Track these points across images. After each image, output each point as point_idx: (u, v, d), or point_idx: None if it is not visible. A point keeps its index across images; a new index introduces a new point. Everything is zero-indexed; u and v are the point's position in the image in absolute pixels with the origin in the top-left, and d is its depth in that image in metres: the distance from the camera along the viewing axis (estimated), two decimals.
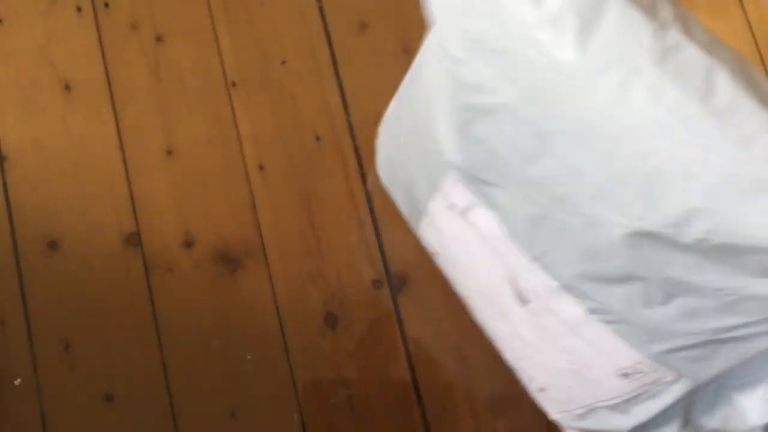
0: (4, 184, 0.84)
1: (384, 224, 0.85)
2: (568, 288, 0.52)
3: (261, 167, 0.85)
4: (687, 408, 0.56)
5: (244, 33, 0.88)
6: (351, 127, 0.87)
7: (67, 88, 0.86)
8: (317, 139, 0.86)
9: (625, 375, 0.53)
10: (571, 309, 0.53)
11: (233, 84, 0.87)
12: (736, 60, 0.46)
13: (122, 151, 0.85)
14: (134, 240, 0.83)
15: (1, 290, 0.82)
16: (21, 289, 0.82)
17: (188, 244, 0.83)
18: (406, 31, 0.89)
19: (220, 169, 0.85)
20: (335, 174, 0.86)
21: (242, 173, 0.85)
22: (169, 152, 0.85)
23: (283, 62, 0.88)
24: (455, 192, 0.57)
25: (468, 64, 0.49)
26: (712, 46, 0.45)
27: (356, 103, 0.87)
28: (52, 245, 0.83)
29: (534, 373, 0.63)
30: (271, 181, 0.85)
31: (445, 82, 0.52)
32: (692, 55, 0.44)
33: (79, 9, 0.88)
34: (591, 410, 0.59)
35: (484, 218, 0.56)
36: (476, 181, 0.54)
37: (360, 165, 0.86)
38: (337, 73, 0.88)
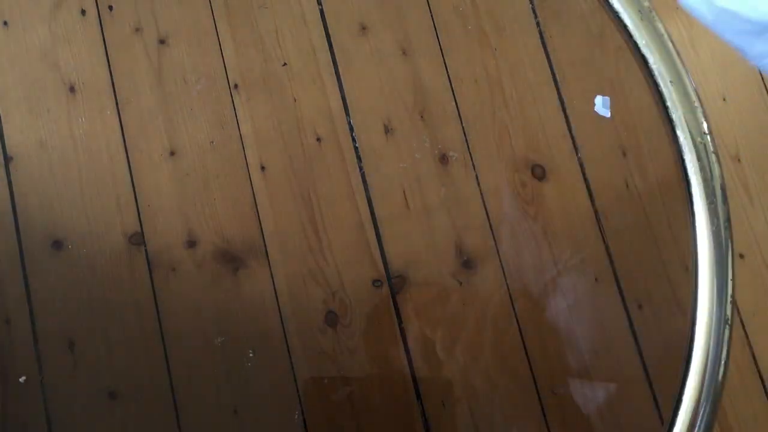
0: (10, 185, 0.84)
1: (384, 224, 0.85)
2: None
3: (263, 167, 0.86)
4: None
5: (245, 35, 0.89)
6: (351, 128, 0.87)
7: (72, 89, 0.87)
8: (318, 139, 0.87)
9: None
10: None
11: (235, 86, 0.88)
12: None
13: (126, 151, 0.86)
14: (138, 240, 0.84)
15: (6, 289, 0.83)
16: (26, 288, 0.82)
17: (191, 243, 0.84)
18: (406, 34, 0.89)
19: (223, 169, 0.86)
20: (336, 174, 0.86)
21: (244, 173, 0.86)
22: (172, 153, 0.86)
23: (285, 64, 0.89)
24: None
25: None
26: None
27: (356, 105, 0.88)
28: (57, 245, 0.83)
29: None
30: (272, 181, 0.86)
31: None
32: None
33: (83, 12, 0.89)
34: None
35: None
36: None
37: (360, 165, 0.87)
38: (337, 75, 0.89)
